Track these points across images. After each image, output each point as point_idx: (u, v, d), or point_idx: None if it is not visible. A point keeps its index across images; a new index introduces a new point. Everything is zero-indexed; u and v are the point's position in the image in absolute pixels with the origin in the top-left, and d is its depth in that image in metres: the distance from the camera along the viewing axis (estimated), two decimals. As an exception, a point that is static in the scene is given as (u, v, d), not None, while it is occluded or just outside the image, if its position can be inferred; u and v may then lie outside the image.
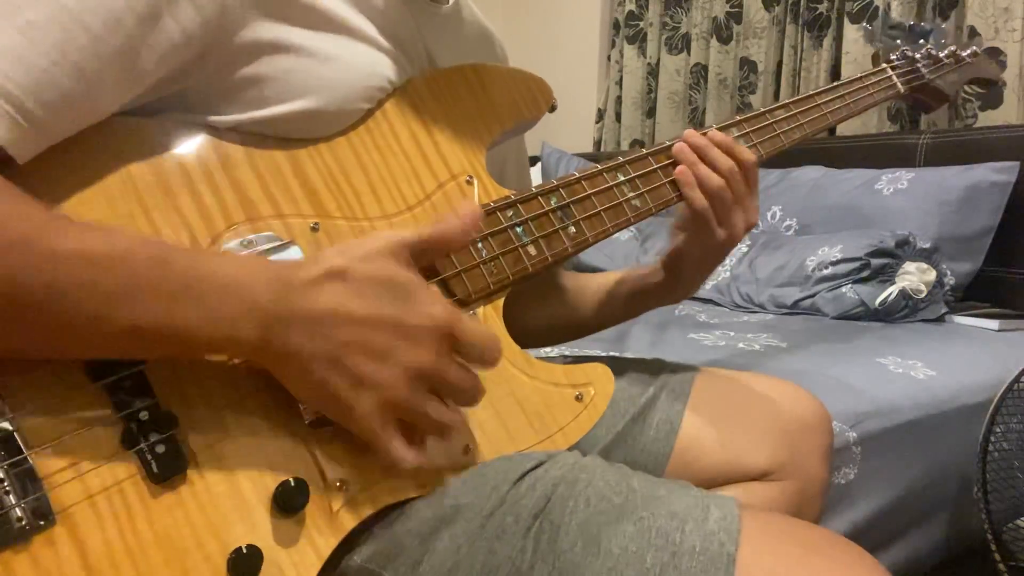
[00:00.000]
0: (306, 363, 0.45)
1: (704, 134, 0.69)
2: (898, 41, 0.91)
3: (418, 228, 0.50)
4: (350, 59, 0.57)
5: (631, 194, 0.67)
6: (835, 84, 0.84)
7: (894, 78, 0.87)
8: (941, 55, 0.93)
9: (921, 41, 0.93)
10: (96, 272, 0.41)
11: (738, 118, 0.76)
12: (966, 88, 1.82)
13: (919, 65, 0.90)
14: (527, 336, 0.81)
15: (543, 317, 0.84)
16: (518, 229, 0.60)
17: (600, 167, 0.66)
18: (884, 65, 0.88)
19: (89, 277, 0.41)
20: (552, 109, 0.70)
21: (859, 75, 0.86)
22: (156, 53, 0.48)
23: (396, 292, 0.47)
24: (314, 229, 0.54)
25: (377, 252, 0.47)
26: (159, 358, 0.46)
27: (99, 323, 0.42)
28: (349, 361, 0.45)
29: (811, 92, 0.82)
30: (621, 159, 0.68)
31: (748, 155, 0.68)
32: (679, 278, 0.74)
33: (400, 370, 0.46)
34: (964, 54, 0.95)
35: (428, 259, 0.52)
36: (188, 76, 0.51)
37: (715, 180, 0.67)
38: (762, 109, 0.78)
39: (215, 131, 0.53)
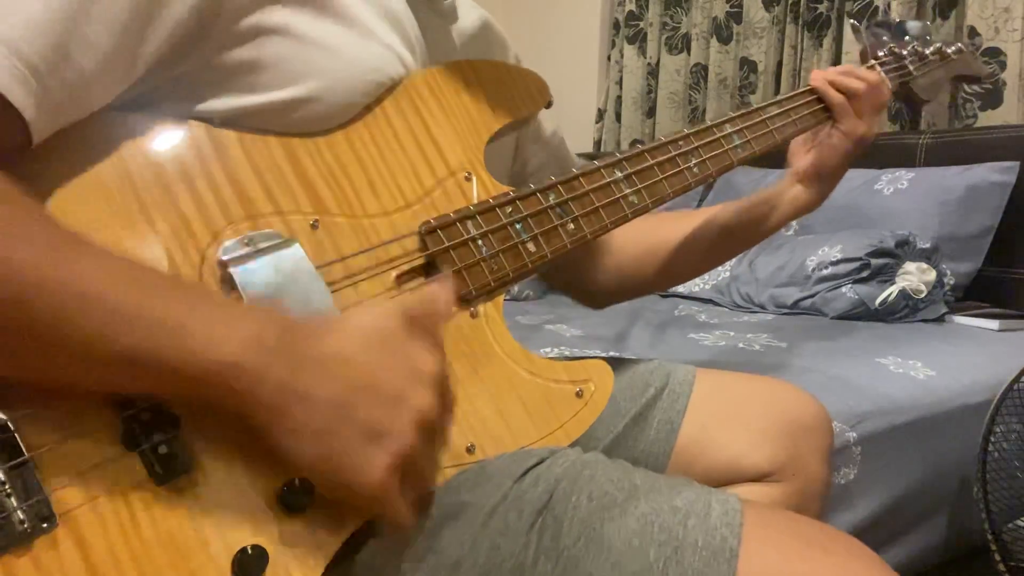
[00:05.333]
0: (311, 408, 0.42)
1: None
2: (884, 38, 0.92)
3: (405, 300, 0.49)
4: (351, 51, 0.57)
5: (628, 191, 0.67)
6: None
7: (883, 74, 0.88)
8: (927, 52, 0.93)
9: (907, 38, 0.93)
10: (100, 291, 0.40)
11: (740, 112, 0.77)
12: (965, 88, 1.83)
13: (906, 62, 0.91)
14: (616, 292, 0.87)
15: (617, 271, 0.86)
16: (517, 226, 0.60)
17: (597, 164, 0.67)
18: (873, 62, 0.88)
19: (93, 297, 0.40)
20: (548, 105, 0.70)
21: None
22: (162, 31, 0.48)
23: (397, 339, 0.45)
24: (314, 227, 0.54)
25: (372, 309, 0.47)
26: (155, 394, 0.44)
27: (95, 347, 0.40)
28: (361, 408, 0.42)
29: (800, 90, 0.82)
30: (618, 156, 0.68)
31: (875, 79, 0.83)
32: (824, 183, 0.84)
33: (411, 418, 0.43)
34: (949, 51, 0.96)
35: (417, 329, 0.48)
36: (187, 57, 0.51)
37: (855, 83, 0.81)
38: (754, 106, 0.79)
39: (212, 126, 0.53)
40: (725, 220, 0.84)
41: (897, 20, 0.95)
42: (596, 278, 0.86)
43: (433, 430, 0.45)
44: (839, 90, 0.81)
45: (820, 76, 0.82)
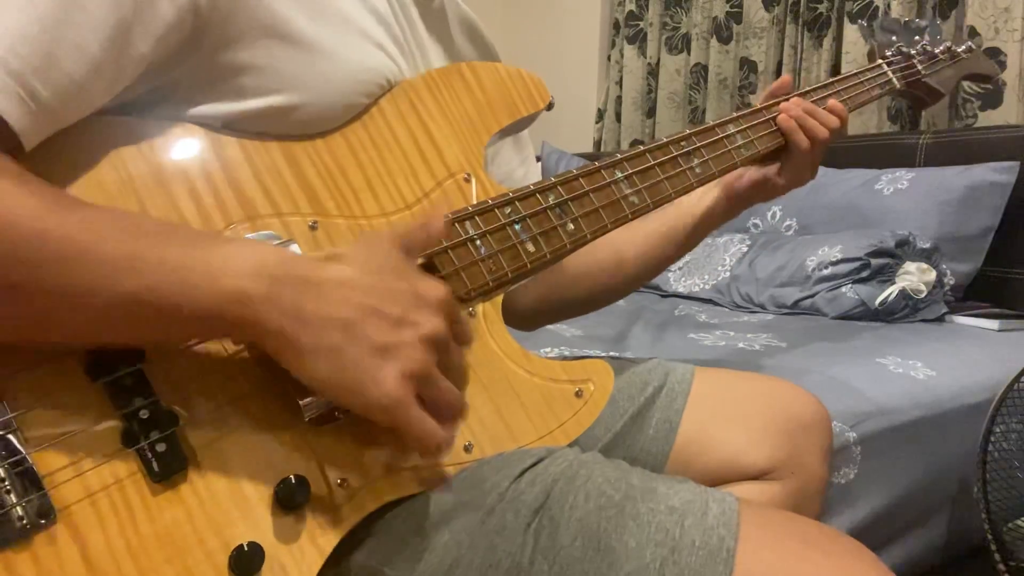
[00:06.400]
0: (319, 328, 0.43)
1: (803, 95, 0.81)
2: (893, 37, 0.91)
3: (398, 227, 0.51)
4: (346, 53, 0.57)
5: (629, 191, 0.67)
6: (831, 80, 0.84)
7: (889, 74, 0.87)
8: (936, 51, 0.93)
9: (916, 37, 0.93)
10: (99, 239, 0.41)
11: (743, 111, 0.77)
12: (966, 87, 1.83)
13: (915, 61, 0.90)
14: (532, 318, 0.84)
15: (539, 295, 0.83)
16: (516, 226, 0.60)
17: (598, 164, 0.66)
18: (880, 61, 0.88)
19: (93, 243, 0.41)
20: (549, 107, 0.70)
21: (855, 71, 0.86)
22: (150, 34, 0.48)
23: (398, 270, 0.47)
24: (312, 228, 0.54)
25: (369, 241, 0.48)
26: (155, 339, 0.45)
27: (97, 294, 0.41)
28: (367, 326, 0.44)
29: (807, 88, 0.82)
30: (619, 156, 0.68)
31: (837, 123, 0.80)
32: (743, 206, 0.83)
33: (418, 336, 0.45)
34: (959, 49, 0.95)
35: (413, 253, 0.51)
36: (183, 60, 0.51)
37: (822, 132, 0.78)
38: (759, 105, 0.79)
39: (211, 129, 0.53)
40: (655, 234, 0.82)
41: (906, 19, 0.95)
42: (520, 299, 0.83)
43: (446, 346, 0.47)
44: (806, 133, 0.78)
45: (790, 115, 0.77)
